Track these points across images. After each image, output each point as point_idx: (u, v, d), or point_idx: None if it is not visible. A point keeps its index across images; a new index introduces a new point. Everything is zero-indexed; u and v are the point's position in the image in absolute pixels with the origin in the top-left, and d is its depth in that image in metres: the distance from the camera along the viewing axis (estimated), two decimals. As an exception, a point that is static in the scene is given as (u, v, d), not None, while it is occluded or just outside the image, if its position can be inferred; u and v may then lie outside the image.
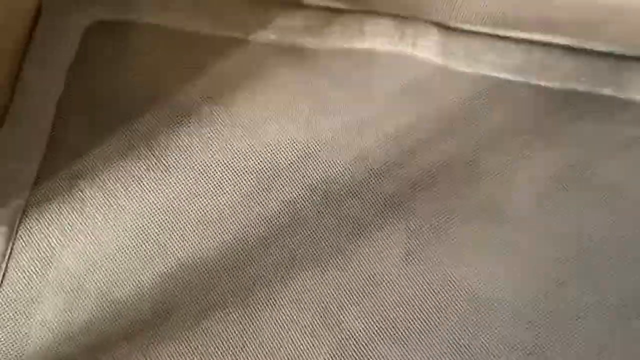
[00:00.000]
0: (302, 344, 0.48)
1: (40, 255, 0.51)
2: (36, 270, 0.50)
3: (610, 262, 0.51)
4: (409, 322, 0.49)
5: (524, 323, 0.49)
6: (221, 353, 0.48)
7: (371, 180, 0.52)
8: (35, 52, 0.56)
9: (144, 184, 0.53)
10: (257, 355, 0.48)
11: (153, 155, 0.54)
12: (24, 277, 0.50)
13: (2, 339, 0.48)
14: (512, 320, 0.49)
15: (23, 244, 0.51)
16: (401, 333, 0.48)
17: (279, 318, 0.49)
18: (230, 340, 0.48)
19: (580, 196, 0.52)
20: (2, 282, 0.50)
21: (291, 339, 0.48)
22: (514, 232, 0.51)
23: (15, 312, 0.49)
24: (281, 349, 0.48)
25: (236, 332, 0.48)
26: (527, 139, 0.54)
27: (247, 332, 0.48)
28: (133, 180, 0.53)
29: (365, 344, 0.48)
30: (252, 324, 0.49)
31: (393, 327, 0.49)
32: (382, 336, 0.48)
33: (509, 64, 0.55)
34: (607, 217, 0.52)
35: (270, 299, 0.49)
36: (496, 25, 0.56)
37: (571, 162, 0.53)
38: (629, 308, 0.49)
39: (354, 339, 0.48)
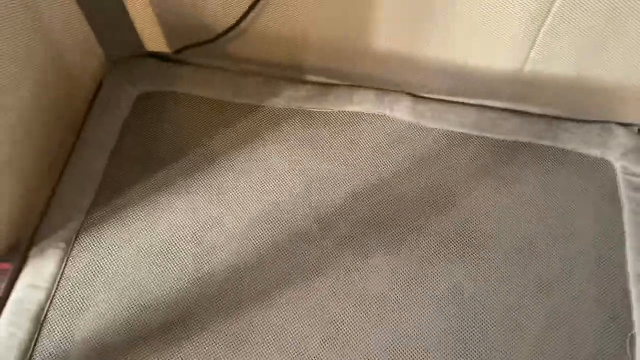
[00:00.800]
0: (300, 333, 0.58)
1: (89, 267, 0.62)
2: (86, 278, 0.62)
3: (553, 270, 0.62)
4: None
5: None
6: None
7: (361, 206, 0.65)
8: (95, 115, 0.72)
9: (174, 212, 0.65)
10: (264, 343, 0.58)
11: (182, 192, 0.67)
12: (75, 281, 0.61)
13: (56, 331, 0.59)
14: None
15: (77, 257, 0.63)
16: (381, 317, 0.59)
17: (280, 315, 0.59)
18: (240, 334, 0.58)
19: (527, 218, 0.65)
20: (58, 285, 0.61)
21: (292, 330, 0.59)
22: (478, 256, 0.63)
23: (67, 310, 0.60)
24: (285, 336, 0.58)
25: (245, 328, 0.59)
26: (484, 179, 0.67)
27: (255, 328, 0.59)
28: (164, 209, 0.66)
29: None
30: (257, 321, 0.59)
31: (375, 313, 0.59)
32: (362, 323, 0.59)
33: (466, 121, 0.70)
34: (553, 235, 0.64)
35: (271, 300, 0.60)
36: (455, 94, 0.72)
37: (518, 195, 0.66)
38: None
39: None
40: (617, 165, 0.68)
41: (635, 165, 0.67)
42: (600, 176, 0.67)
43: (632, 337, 0.58)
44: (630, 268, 0.62)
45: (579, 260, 0.63)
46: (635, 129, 0.70)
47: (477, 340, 0.58)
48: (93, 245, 0.64)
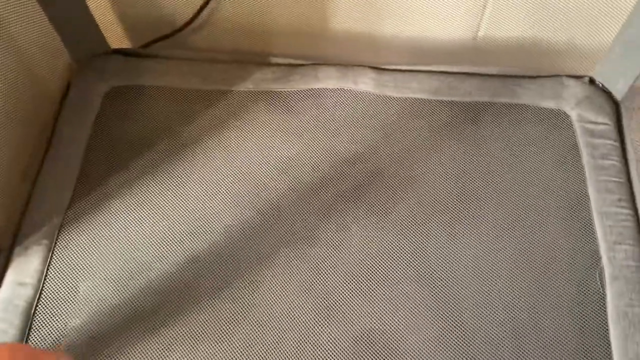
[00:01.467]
0: (294, 302, 0.60)
1: (73, 260, 0.63)
2: (71, 271, 0.62)
3: (523, 222, 0.65)
4: (370, 277, 0.62)
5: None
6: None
7: (332, 179, 0.68)
8: (66, 115, 0.73)
9: (152, 200, 0.67)
10: (261, 312, 0.59)
11: (159, 180, 0.68)
12: (62, 275, 0.62)
13: (46, 324, 0.59)
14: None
15: (60, 251, 0.64)
16: (364, 285, 0.61)
17: (276, 282, 0.61)
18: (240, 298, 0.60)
19: (489, 175, 0.68)
20: (45, 280, 0.62)
21: (290, 291, 0.60)
22: (445, 213, 0.66)
23: (56, 303, 0.61)
24: (277, 305, 0.60)
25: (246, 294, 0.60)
26: (446, 140, 0.70)
27: (253, 293, 0.60)
28: (144, 197, 0.67)
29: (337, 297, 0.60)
30: (254, 290, 0.61)
31: (357, 281, 0.61)
32: (351, 289, 0.61)
33: (428, 88, 0.73)
34: (518, 188, 0.67)
35: (266, 273, 0.62)
36: (415, 63, 0.75)
37: (480, 153, 0.69)
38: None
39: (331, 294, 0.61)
40: (573, 114, 0.71)
41: (589, 113, 0.71)
42: (558, 126, 0.71)
43: (601, 270, 0.62)
44: (594, 205, 0.65)
45: (547, 204, 0.66)
46: (586, 79, 0.74)
47: (453, 294, 0.61)
48: (76, 238, 0.64)
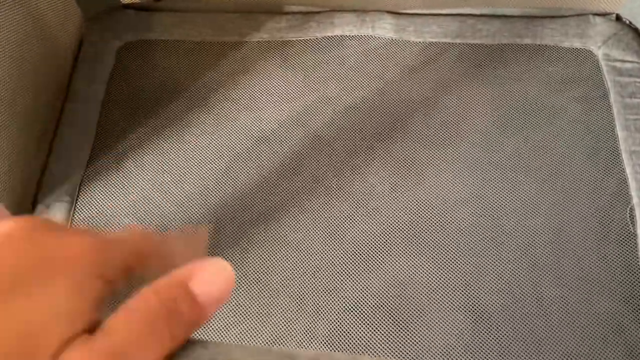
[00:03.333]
0: (322, 249, 0.60)
1: (95, 215, 0.63)
2: (94, 226, 0.62)
3: (545, 162, 0.64)
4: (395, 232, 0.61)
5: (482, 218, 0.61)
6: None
7: (355, 126, 0.66)
8: (81, 71, 0.72)
9: (169, 154, 0.66)
10: (288, 255, 0.59)
11: (176, 134, 0.67)
12: (86, 231, 0.62)
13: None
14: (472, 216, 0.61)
15: (82, 207, 0.63)
16: (388, 240, 0.60)
17: (297, 234, 0.61)
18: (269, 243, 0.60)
19: (519, 118, 0.66)
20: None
21: (313, 243, 0.60)
22: (469, 150, 0.65)
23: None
24: (306, 253, 0.59)
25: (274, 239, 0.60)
26: (470, 82, 0.68)
27: (280, 240, 0.60)
28: (162, 152, 0.66)
29: (366, 251, 0.60)
30: (280, 236, 0.60)
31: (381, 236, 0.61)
32: (374, 244, 0.60)
33: (448, 31, 0.71)
34: (544, 132, 0.65)
35: (294, 217, 0.61)
36: (433, 6, 0.73)
37: (506, 95, 0.68)
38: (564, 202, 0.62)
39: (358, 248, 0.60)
40: (599, 53, 0.69)
41: (616, 51, 0.69)
42: (584, 66, 0.69)
43: (632, 209, 0.60)
44: (622, 146, 0.63)
45: (574, 146, 0.64)
46: (613, 16, 0.71)
47: (476, 235, 0.60)
48: (97, 193, 0.64)
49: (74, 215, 0.63)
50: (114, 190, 0.64)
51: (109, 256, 0.18)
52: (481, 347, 0.55)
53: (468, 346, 0.55)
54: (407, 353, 0.55)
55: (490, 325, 0.56)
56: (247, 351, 0.17)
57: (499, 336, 0.55)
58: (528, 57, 0.70)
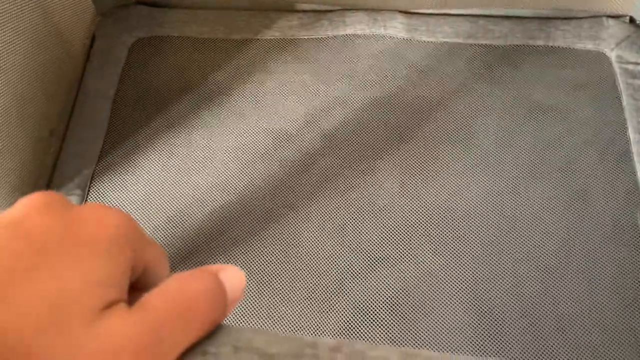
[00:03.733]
0: (332, 248, 0.60)
1: (107, 210, 0.63)
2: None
3: (556, 163, 0.63)
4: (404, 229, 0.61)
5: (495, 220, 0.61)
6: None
7: (366, 125, 0.66)
8: (93, 68, 0.72)
9: (180, 151, 0.66)
10: (298, 254, 0.59)
11: (187, 131, 0.68)
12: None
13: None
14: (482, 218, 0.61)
15: (93, 201, 0.64)
16: (401, 238, 0.60)
17: (307, 232, 0.61)
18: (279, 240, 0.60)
19: (531, 120, 0.66)
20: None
21: (323, 242, 0.60)
22: (480, 151, 0.64)
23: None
24: (316, 251, 0.59)
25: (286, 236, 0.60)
26: (481, 83, 0.68)
27: (291, 238, 0.60)
28: (173, 148, 0.66)
29: (369, 252, 0.60)
30: (290, 234, 0.60)
31: (394, 233, 0.61)
32: (387, 242, 0.60)
33: (460, 31, 0.71)
34: (556, 133, 0.65)
35: (303, 215, 0.61)
36: (446, 6, 0.73)
37: (517, 96, 0.67)
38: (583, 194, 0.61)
39: (362, 247, 0.60)
40: (612, 55, 0.69)
41: (629, 54, 0.68)
42: (597, 68, 0.69)
43: (643, 212, 0.60)
44: (634, 148, 0.63)
45: (584, 150, 0.64)
46: (626, 18, 0.71)
47: (488, 235, 0.60)
48: (108, 188, 0.64)
49: (84, 210, 0.63)
50: (124, 185, 0.64)
51: (136, 226, 0.19)
52: (491, 347, 0.55)
53: (477, 346, 0.55)
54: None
55: (501, 326, 0.55)
56: (269, 337, 0.17)
57: (508, 337, 0.55)
58: (540, 59, 0.70)
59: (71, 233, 0.17)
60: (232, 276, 0.19)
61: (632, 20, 0.71)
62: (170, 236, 0.61)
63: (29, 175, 0.64)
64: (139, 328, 0.15)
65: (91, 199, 0.64)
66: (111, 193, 0.64)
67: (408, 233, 0.60)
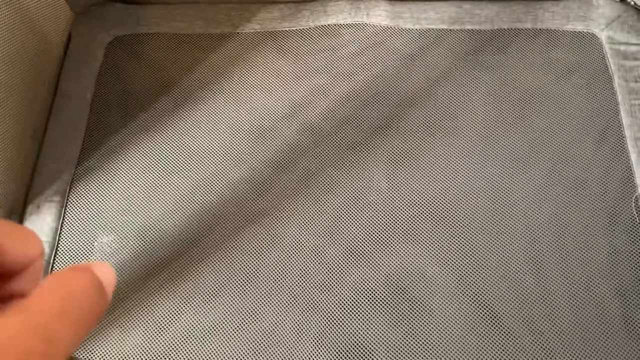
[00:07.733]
0: (317, 245, 0.58)
1: (87, 215, 0.62)
2: (85, 226, 0.61)
3: (548, 151, 0.61)
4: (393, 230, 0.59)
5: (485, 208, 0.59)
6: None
7: (350, 117, 0.64)
8: (69, 68, 0.70)
9: (161, 151, 0.64)
10: (283, 252, 0.58)
11: (167, 130, 0.66)
12: (76, 231, 0.61)
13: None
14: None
15: (73, 207, 0.62)
16: (386, 232, 0.59)
17: (291, 230, 0.59)
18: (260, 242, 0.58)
19: (521, 106, 0.64)
20: (60, 234, 0.60)
21: (308, 239, 0.58)
22: (469, 140, 0.62)
23: (73, 259, 0.59)
24: (301, 249, 0.58)
25: (265, 237, 0.58)
26: (468, 70, 0.66)
27: (272, 239, 0.58)
28: (153, 148, 0.65)
29: (361, 247, 0.58)
30: (274, 232, 0.59)
31: (379, 228, 0.59)
32: (372, 236, 0.58)
33: (445, 17, 0.69)
34: (546, 119, 0.63)
35: (287, 212, 0.60)
36: (430, -9, 0.70)
37: (506, 81, 0.65)
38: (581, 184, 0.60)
39: (354, 242, 0.58)
40: (603, 36, 0.67)
41: (620, 34, 0.66)
42: (587, 50, 0.66)
43: (637, 199, 0.58)
44: (627, 132, 0.61)
45: (577, 131, 0.62)
46: (616, -2, 0.69)
47: (476, 228, 0.58)
48: (87, 193, 0.63)
49: (64, 217, 0.62)
50: (105, 188, 0.63)
51: None
52: (482, 342, 0.53)
53: (466, 341, 0.53)
54: (402, 348, 0.54)
55: (493, 320, 0.54)
56: None
57: (503, 328, 0.54)
58: (528, 42, 0.67)
59: None
60: (105, 271, 0.19)
61: (622, 0, 0.69)
62: (151, 241, 0.60)
63: (12, 181, 0.62)
64: (25, 331, 0.15)
65: (71, 204, 0.62)
66: (90, 198, 0.62)
67: (396, 228, 0.59)
